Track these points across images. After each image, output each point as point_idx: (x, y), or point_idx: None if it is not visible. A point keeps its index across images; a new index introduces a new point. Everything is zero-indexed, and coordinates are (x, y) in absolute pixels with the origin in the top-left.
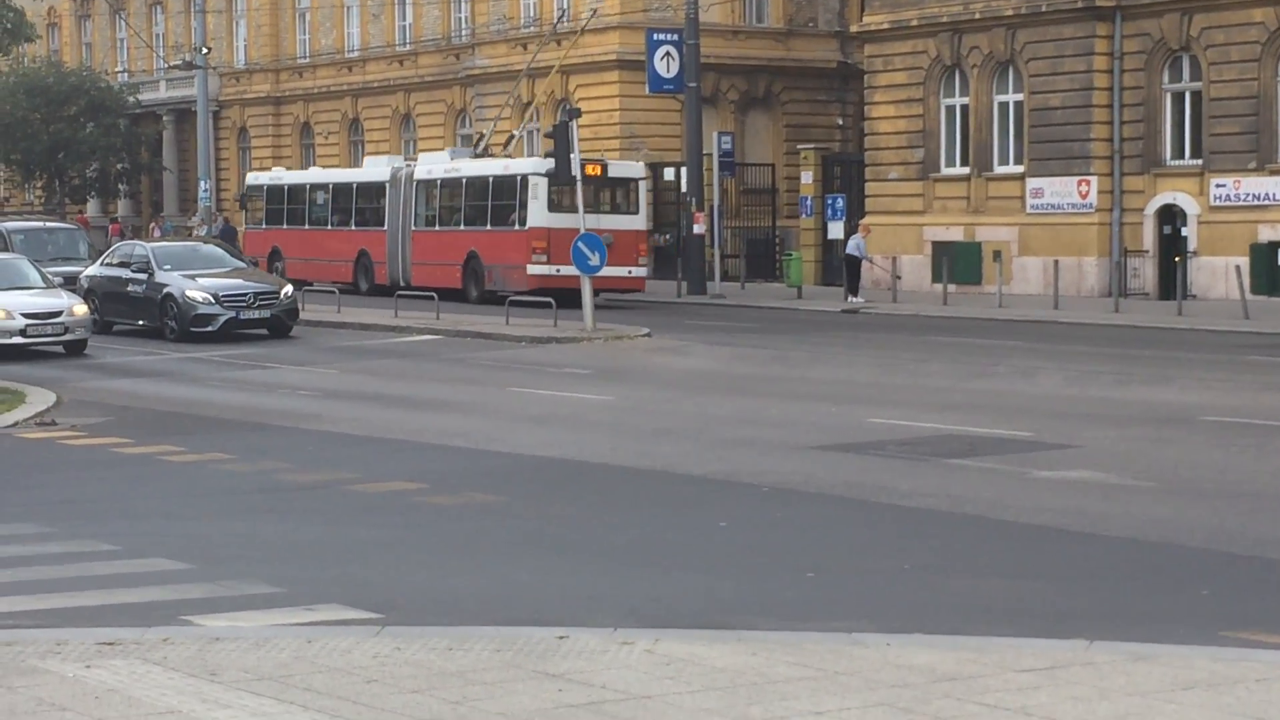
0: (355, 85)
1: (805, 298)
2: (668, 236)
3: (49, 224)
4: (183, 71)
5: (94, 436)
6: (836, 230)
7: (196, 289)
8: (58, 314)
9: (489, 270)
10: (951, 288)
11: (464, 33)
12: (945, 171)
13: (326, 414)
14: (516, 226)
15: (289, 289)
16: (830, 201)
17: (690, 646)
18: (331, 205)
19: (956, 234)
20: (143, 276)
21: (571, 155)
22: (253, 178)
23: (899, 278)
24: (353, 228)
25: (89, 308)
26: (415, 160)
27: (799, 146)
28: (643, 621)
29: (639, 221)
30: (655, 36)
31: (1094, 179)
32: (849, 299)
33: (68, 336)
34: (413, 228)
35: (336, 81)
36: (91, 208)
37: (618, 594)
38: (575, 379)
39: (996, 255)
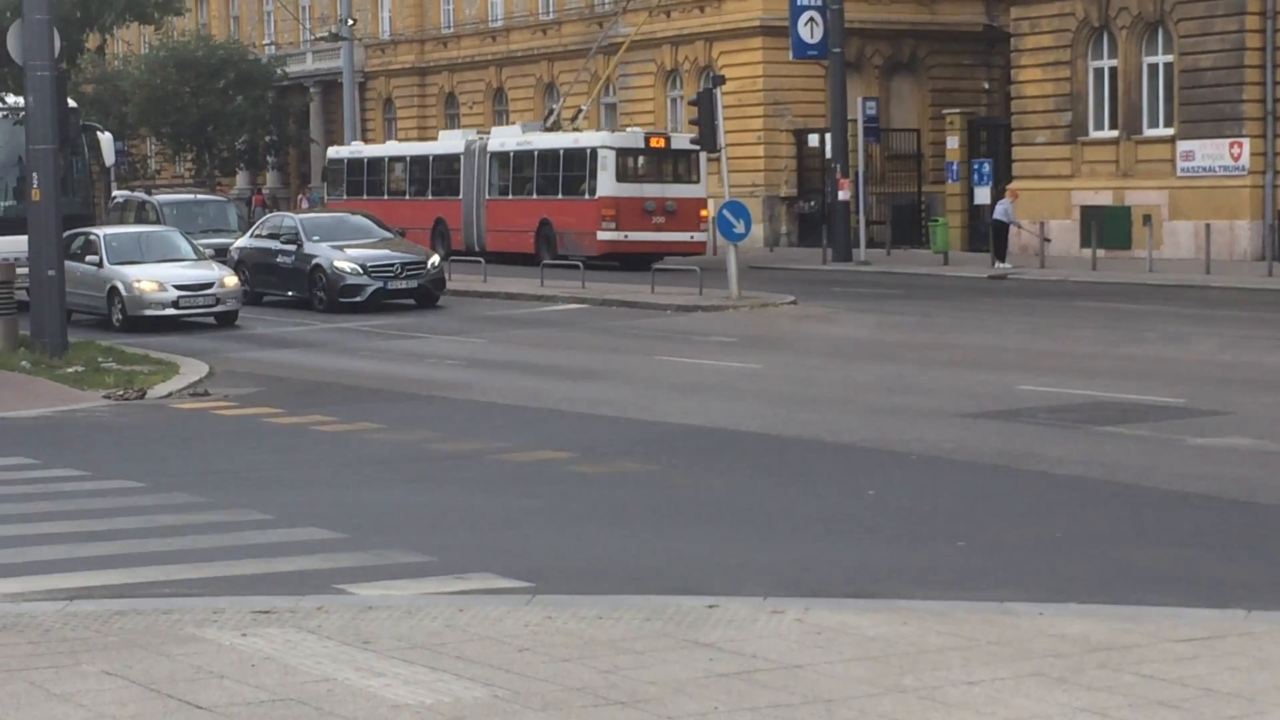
0: (499, 55)
1: (952, 264)
2: (812, 203)
3: (199, 196)
4: (329, 43)
5: (246, 407)
6: (983, 195)
7: (344, 260)
8: (209, 286)
9: (560, 236)
10: (1100, 253)
11: (607, 1)
12: (1093, 135)
13: (474, 383)
14: (587, 196)
15: (436, 259)
16: (976, 166)
17: (841, 616)
18: (409, 176)
19: (1105, 198)
20: (291, 248)
21: (716, 123)
22: (333, 152)
23: (1047, 242)
24: (429, 197)
25: (239, 279)
26: (488, 134)
27: (944, 111)
28: (792, 590)
29: (699, 190)
30: (799, 2)
31: (1246, 141)
32: (996, 264)
33: (219, 308)
34: (487, 197)
35: (480, 51)
36: (240, 180)
37: (767, 563)
38: (722, 347)
39: (1146, 219)
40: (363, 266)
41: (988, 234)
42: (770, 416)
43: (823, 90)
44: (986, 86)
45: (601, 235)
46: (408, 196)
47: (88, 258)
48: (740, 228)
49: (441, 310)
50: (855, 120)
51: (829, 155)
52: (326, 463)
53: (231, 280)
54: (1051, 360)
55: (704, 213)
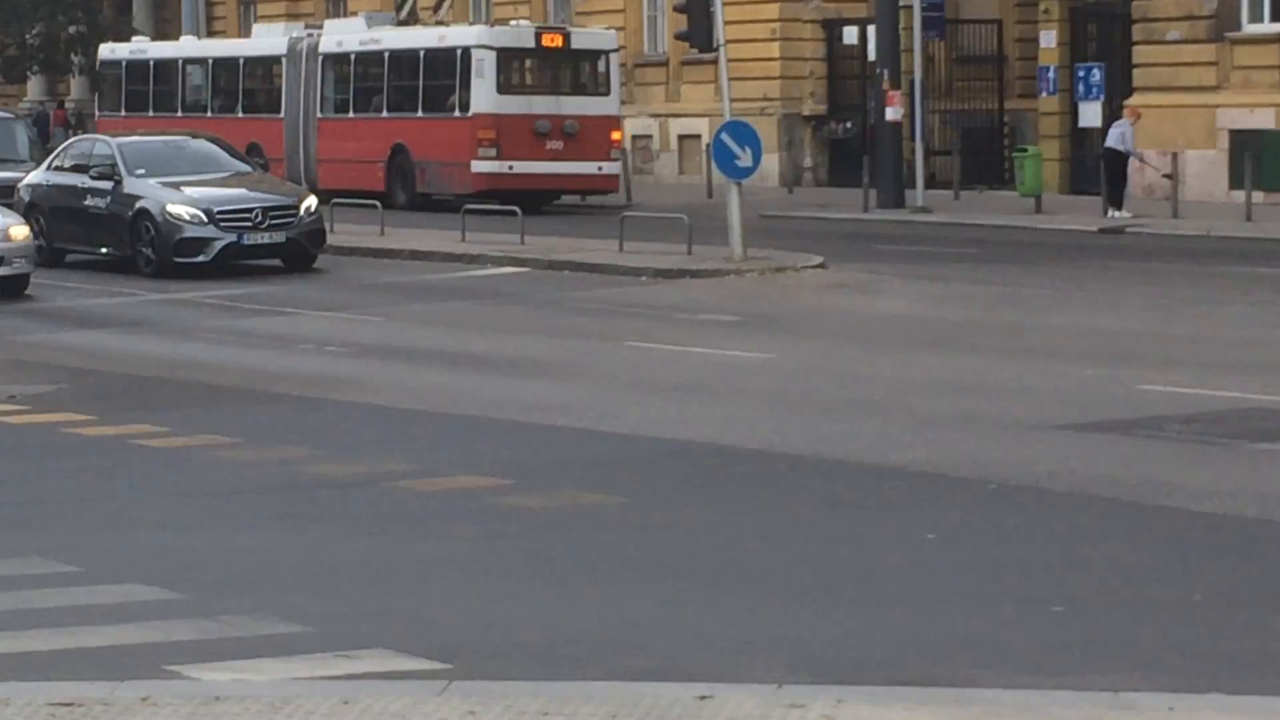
0: None
1: (1046, 211)
2: (849, 125)
3: None
4: None
5: (40, 412)
6: (1091, 115)
7: (182, 203)
8: None
9: (420, 168)
10: (1257, 196)
11: None
12: (1248, 29)
13: (367, 380)
14: (456, 113)
15: (312, 201)
16: (1083, 74)
17: (886, 710)
18: (211, 86)
19: (1265, 119)
20: (106, 186)
21: (712, 9)
22: (106, 50)
23: (1181, 182)
24: (239, 115)
25: (31, 230)
26: (320, 29)
27: None
28: (817, 675)
29: (610, 105)
30: None
31: None
32: (1110, 212)
33: (2, 270)
34: (318, 115)
35: None
36: (33, 89)
37: (781, 635)
38: (719, 329)
39: None
40: (207, 213)
41: (1098, 169)
42: (787, 428)
43: None
44: None
45: (477, 166)
46: (210, 114)
47: None
48: (745, 159)
49: (320, 275)
50: (910, 8)
51: (873, 57)
52: (155, 492)
53: (20, 232)
54: (1187, 349)
55: (616, 135)
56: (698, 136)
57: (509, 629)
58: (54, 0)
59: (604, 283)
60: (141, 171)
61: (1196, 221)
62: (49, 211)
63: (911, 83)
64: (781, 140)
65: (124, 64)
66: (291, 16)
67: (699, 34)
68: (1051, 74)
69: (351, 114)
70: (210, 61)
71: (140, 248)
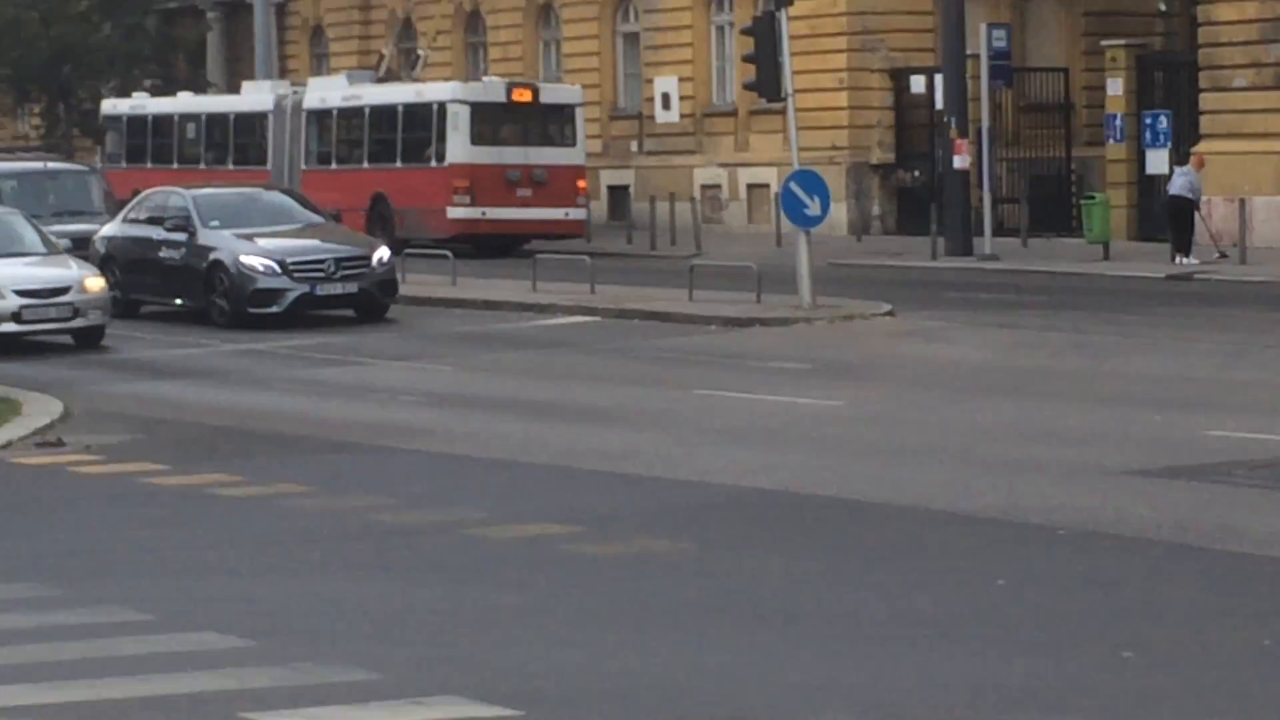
0: None
1: (1114, 258)
2: (917, 173)
3: (51, 165)
4: None
5: (116, 462)
6: (1158, 162)
7: (256, 254)
8: (64, 290)
9: (400, 215)
10: None
11: None
12: None
13: (439, 428)
14: (434, 163)
15: (384, 253)
16: (1149, 121)
17: None
18: (205, 140)
19: None
20: (181, 237)
21: (780, 59)
22: (109, 105)
23: (1249, 228)
24: (230, 166)
25: (107, 281)
26: (305, 86)
27: (1103, 44)
28: None
29: (576, 155)
30: None
31: None
32: (1177, 259)
33: (78, 322)
34: (303, 166)
35: None
36: (110, 142)
37: (852, 681)
38: (789, 377)
39: None
40: (281, 264)
41: (1165, 216)
42: (856, 475)
43: (931, 14)
44: (1163, 8)
45: (453, 213)
46: (202, 165)
47: None
48: (814, 208)
49: (392, 325)
50: (977, 56)
51: (940, 106)
52: (229, 541)
53: (96, 283)
54: (1255, 395)
55: (581, 184)
56: (766, 186)
57: (581, 676)
58: (130, 55)
59: (674, 331)
60: (215, 223)
61: (1266, 267)
62: (124, 263)
63: (979, 131)
64: (850, 189)
65: (125, 119)
66: (363, 63)
67: (767, 84)
68: (1119, 121)
69: (334, 165)
70: (204, 117)
71: (214, 299)
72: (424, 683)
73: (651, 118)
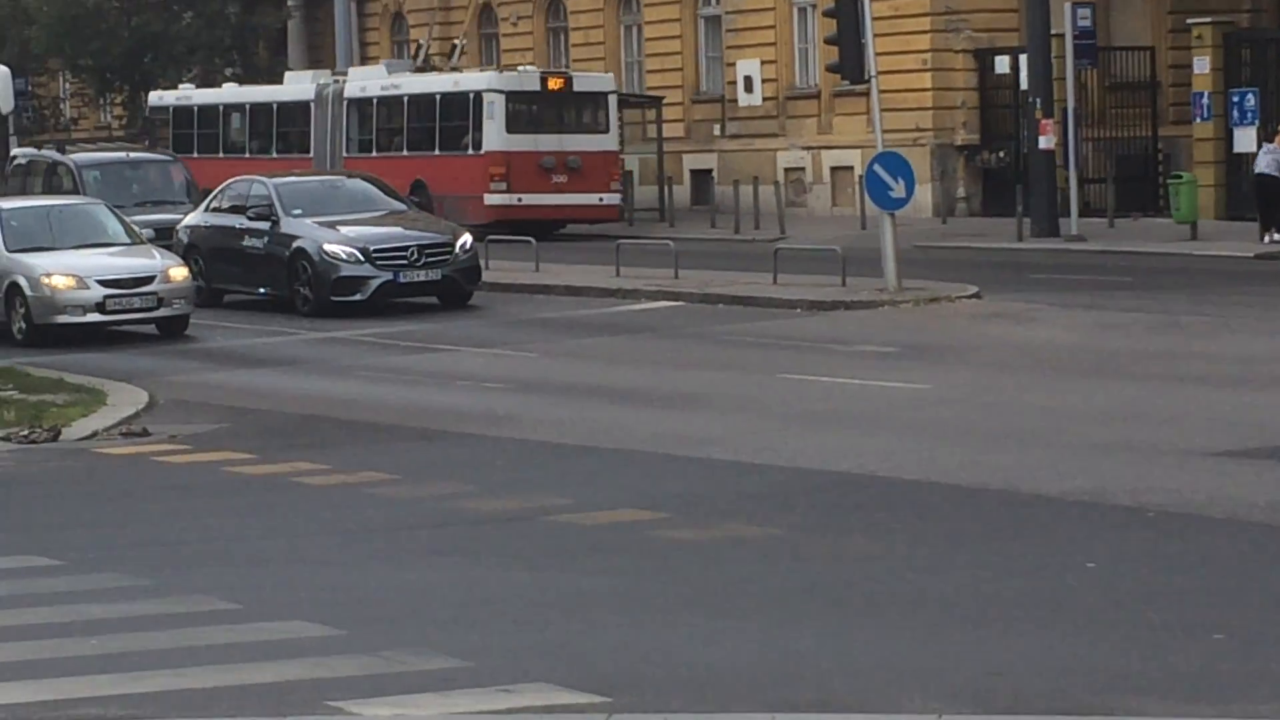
0: None
1: (1202, 238)
2: (1002, 154)
3: (133, 154)
4: None
5: (201, 451)
6: (1246, 140)
7: (339, 242)
8: (148, 280)
9: (438, 201)
10: None
11: None
12: None
13: (523, 414)
14: (470, 151)
15: (467, 239)
16: (1237, 99)
17: None
18: (249, 129)
19: None
20: (264, 226)
21: (863, 41)
22: (155, 97)
23: None
24: (274, 155)
25: (190, 271)
26: (345, 76)
27: (1189, 21)
28: (977, 704)
29: (609, 142)
30: None
31: None
32: (1266, 238)
33: (162, 311)
34: (344, 154)
35: None
36: None
37: (940, 665)
38: (874, 360)
39: None
40: (364, 251)
41: (1253, 195)
42: (942, 458)
43: None
44: None
45: (489, 199)
46: (247, 154)
47: None
48: (899, 190)
49: (476, 312)
50: (1062, 36)
51: (1025, 86)
52: (315, 529)
53: (180, 272)
54: None
55: (614, 171)
56: (850, 168)
57: (668, 662)
58: (211, 45)
59: (758, 316)
60: (298, 211)
61: None
62: (207, 252)
63: (1064, 111)
64: (934, 170)
65: (171, 109)
66: (442, 50)
67: (850, 66)
68: (1205, 100)
69: (375, 153)
70: (248, 107)
71: (297, 287)
72: (512, 670)
73: (734, 101)
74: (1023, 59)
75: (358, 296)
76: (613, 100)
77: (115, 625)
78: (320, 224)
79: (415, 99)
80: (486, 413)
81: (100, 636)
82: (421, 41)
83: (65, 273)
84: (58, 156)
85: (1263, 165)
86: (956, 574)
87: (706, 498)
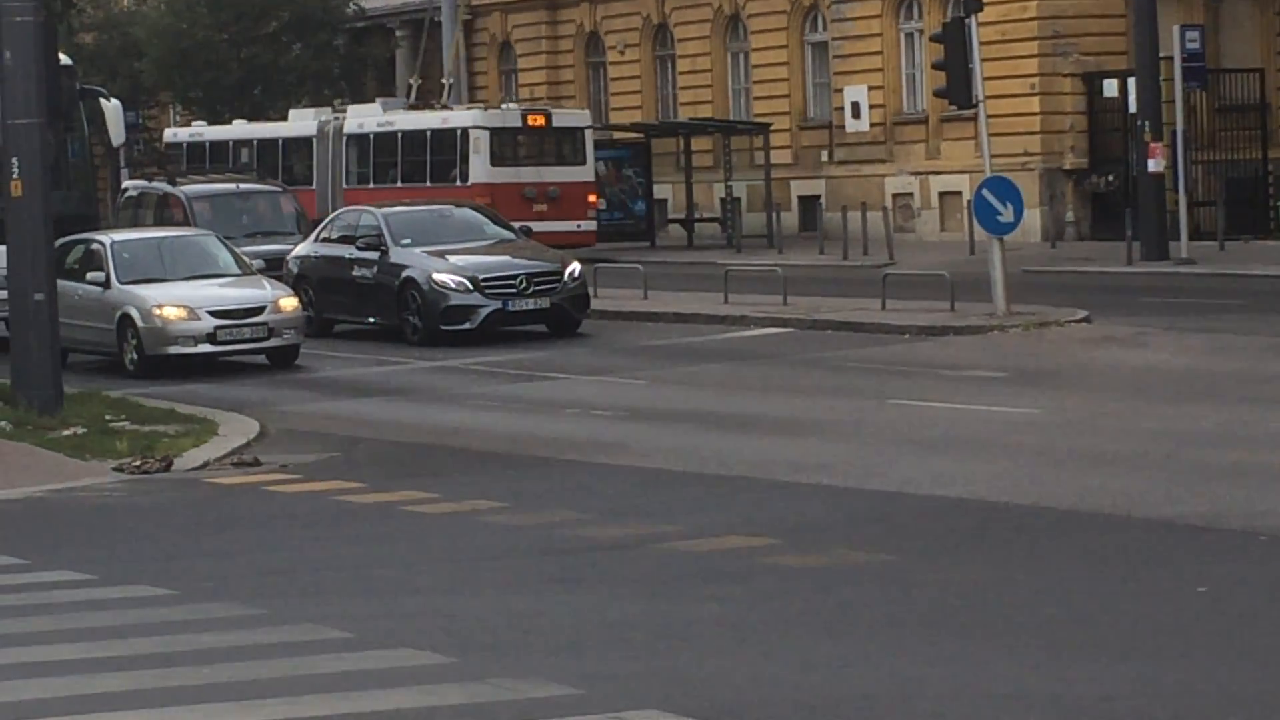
0: None
1: None
2: (1111, 178)
3: (243, 185)
4: None
5: (312, 480)
6: None
7: (448, 271)
8: (258, 311)
9: None
10: None
11: None
12: None
13: (633, 442)
14: (458, 182)
15: (576, 267)
16: None
17: None
18: (257, 162)
19: None
20: (373, 256)
21: (970, 65)
22: (170, 134)
23: None
24: None
25: (301, 301)
26: (344, 113)
27: None
28: None
29: (586, 173)
30: None
31: None
32: None
33: (273, 341)
34: (344, 185)
35: None
36: None
37: (1054, 691)
38: (984, 385)
39: None
40: (473, 281)
41: None
42: (1054, 483)
43: (1122, 17)
44: None
45: None
46: None
47: (89, 275)
48: (1008, 215)
49: (584, 340)
50: (1170, 59)
51: (1133, 110)
52: (426, 558)
53: (290, 303)
54: None
55: (592, 198)
56: (959, 193)
57: (780, 688)
58: (319, 75)
59: (867, 341)
60: (407, 241)
61: None
62: (317, 282)
63: (1173, 134)
64: (1043, 195)
65: (185, 145)
66: (551, 78)
67: (958, 90)
68: None
69: (372, 184)
70: (255, 142)
71: (407, 316)
72: (624, 697)
73: (841, 127)
74: (1131, 82)
75: (467, 325)
76: (588, 134)
77: (226, 654)
78: (429, 253)
79: (408, 134)
80: (595, 440)
81: (211, 665)
82: (412, 83)
83: (176, 304)
84: (168, 188)
85: None
86: (1069, 599)
87: (816, 524)
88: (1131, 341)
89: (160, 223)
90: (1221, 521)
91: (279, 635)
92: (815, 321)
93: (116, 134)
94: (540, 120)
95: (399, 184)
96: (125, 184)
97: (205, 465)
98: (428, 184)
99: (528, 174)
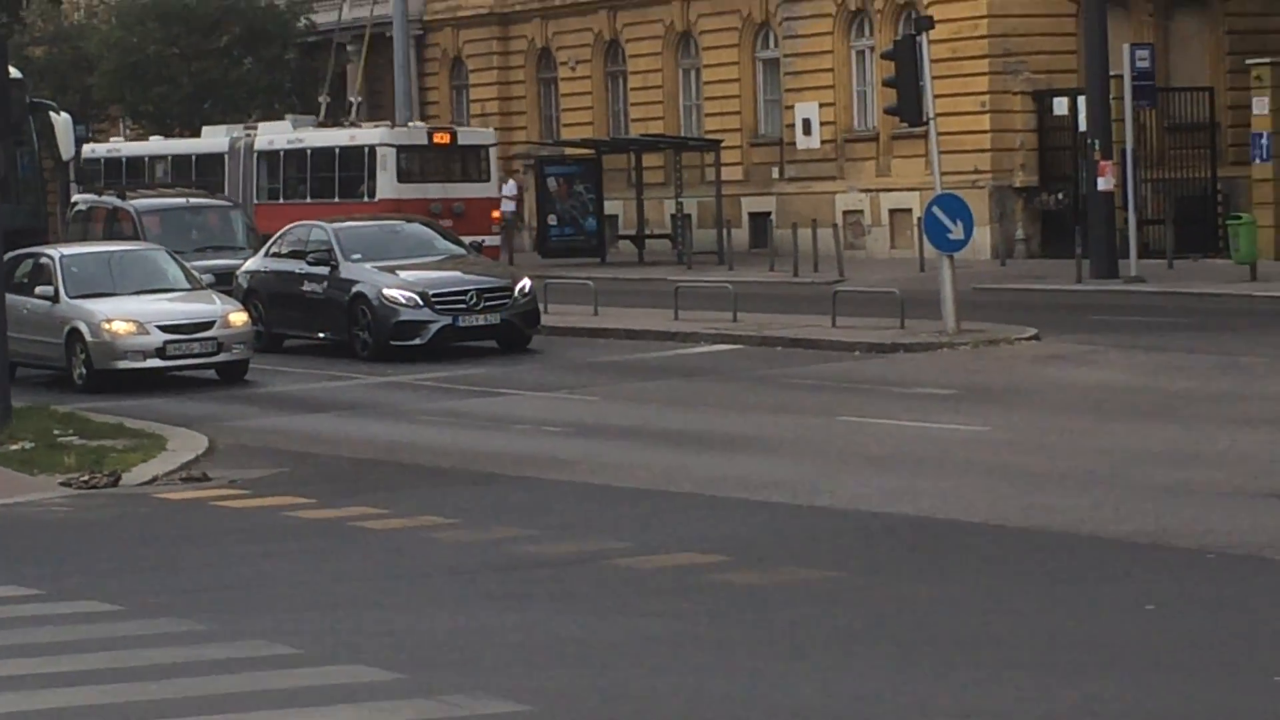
0: None
1: (1262, 278)
2: (1060, 196)
3: (193, 200)
4: None
5: (261, 495)
6: None
7: (398, 286)
8: (208, 325)
9: None
10: None
11: None
12: None
13: (583, 459)
14: (366, 198)
15: (526, 283)
16: None
17: None
18: (172, 179)
19: None
20: (323, 271)
21: (921, 83)
22: (89, 150)
23: None
24: None
25: (250, 316)
26: (255, 130)
27: (1248, 61)
28: None
29: (490, 189)
30: None
31: None
32: None
33: (222, 356)
34: (255, 201)
35: None
36: None
37: (1003, 708)
38: (933, 402)
39: None
40: (423, 296)
41: None
42: (1003, 500)
43: (1073, 35)
44: None
45: None
46: None
47: (37, 289)
48: (958, 232)
49: (535, 356)
50: (1120, 77)
51: (1084, 128)
52: (375, 573)
53: (239, 318)
54: None
55: (495, 214)
56: (909, 210)
57: (731, 706)
58: (270, 90)
59: (817, 358)
60: (357, 256)
61: None
62: (267, 297)
63: (1123, 152)
64: (993, 212)
65: (103, 160)
66: (503, 93)
67: (909, 108)
68: (1264, 140)
69: (282, 200)
70: (170, 158)
71: (357, 331)
72: (572, 714)
73: (792, 144)
74: (1081, 100)
75: (417, 341)
76: (493, 152)
77: (175, 670)
78: (379, 268)
79: (317, 151)
80: (546, 457)
81: (160, 681)
82: (321, 101)
83: (125, 318)
84: (118, 202)
85: None
86: (1017, 617)
87: (766, 541)
88: (1081, 359)
89: (110, 237)
90: (1169, 539)
91: (228, 651)
92: (765, 338)
93: (66, 148)
94: (445, 138)
95: (308, 200)
96: (75, 198)
97: (154, 480)
98: (336, 200)
99: (433, 190)
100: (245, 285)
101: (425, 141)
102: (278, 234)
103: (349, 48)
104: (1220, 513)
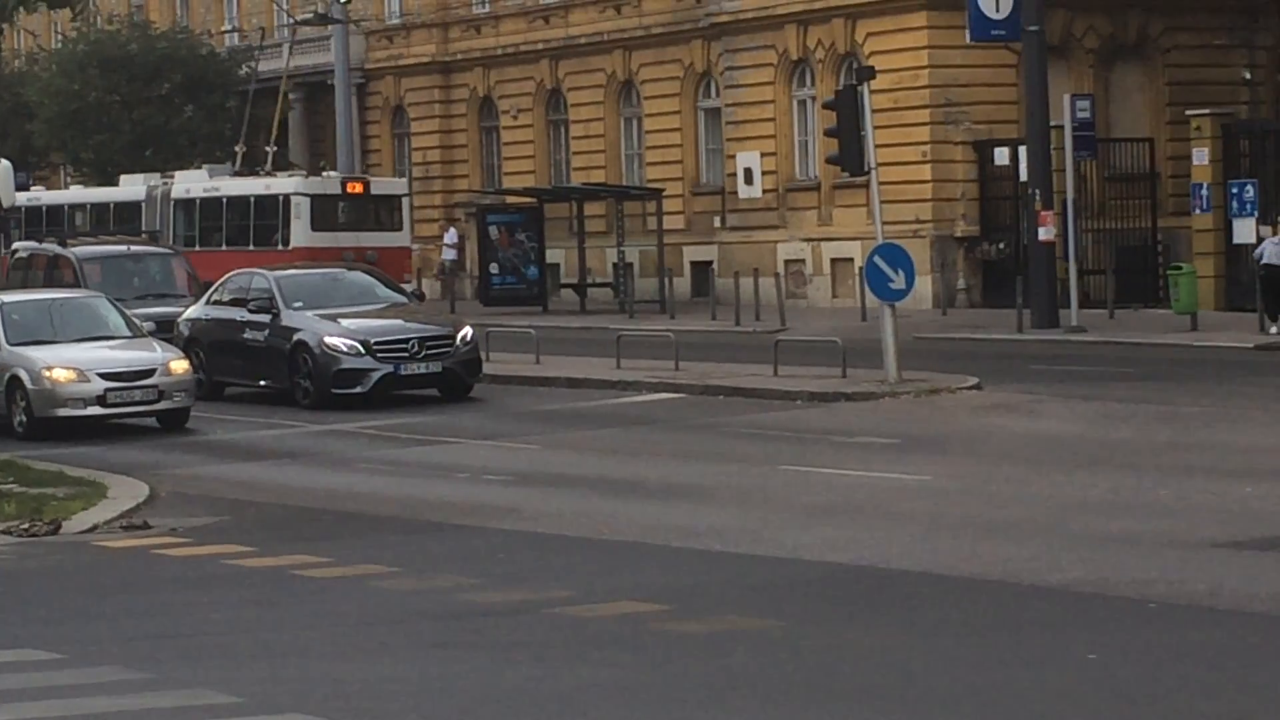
0: (555, 43)
1: (1202, 328)
2: (1002, 246)
3: (134, 248)
4: (314, 30)
5: (202, 544)
6: (1246, 231)
7: (339, 334)
8: (149, 373)
9: None
10: None
11: None
12: None
13: (524, 506)
14: (280, 247)
15: (468, 331)
16: (1235, 190)
17: None
18: (92, 225)
19: None
20: (265, 319)
21: (863, 133)
22: None
23: None
24: None
25: (192, 363)
26: (172, 179)
27: (1188, 113)
28: None
29: (403, 238)
30: None
31: None
32: (1268, 328)
33: (163, 404)
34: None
35: (528, 39)
36: None
37: None
38: (875, 451)
39: None
40: (365, 344)
41: (1253, 286)
42: (944, 549)
43: (1014, 85)
44: (1248, 76)
45: None
46: None
47: None
48: (899, 282)
49: (477, 404)
50: (1061, 127)
51: (1024, 178)
52: (316, 622)
53: (180, 365)
54: None
55: (407, 263)
56: (850, 260)
57: None
58: (211, 137)
59: (759, 407)
60: (299, 304)
61: None
62: (208, 345)
63: (1064, 202)
64: (934, 262)
65: (23, 209)
66: (445, 142)
67: (850, 158)
68: (1205, 191)
69: (198, 247)
70: (89, 206)
71: (298, 379)
72: None
73: (734, 193)
74: (1022, 150)
75: (359, 389)
76: (405, 202)
77: (116, 718)
78: (321, 316)
79: (232, 200)
80: (487, 505)
81: None
82: (237, 150)
83: (66, 366)
84: (59, 249)
85: (1269, 255)
86: (957, 666)
87: (707, 590)
88: (1022, 409)
89: (50, 284)
90: (1111, 588)
91: (168, 699)
92: (707, 387)
93: (6, 195)
94: (359, 187)
95: (224, 247)
96: (15, 245)
97: (94, 528)
98: (251, 248)
99: (346, 239)
100: (186, 333)
101: (339, 191)
102: (219, 282)
103: (290, 95)
104: (1161, 562)
